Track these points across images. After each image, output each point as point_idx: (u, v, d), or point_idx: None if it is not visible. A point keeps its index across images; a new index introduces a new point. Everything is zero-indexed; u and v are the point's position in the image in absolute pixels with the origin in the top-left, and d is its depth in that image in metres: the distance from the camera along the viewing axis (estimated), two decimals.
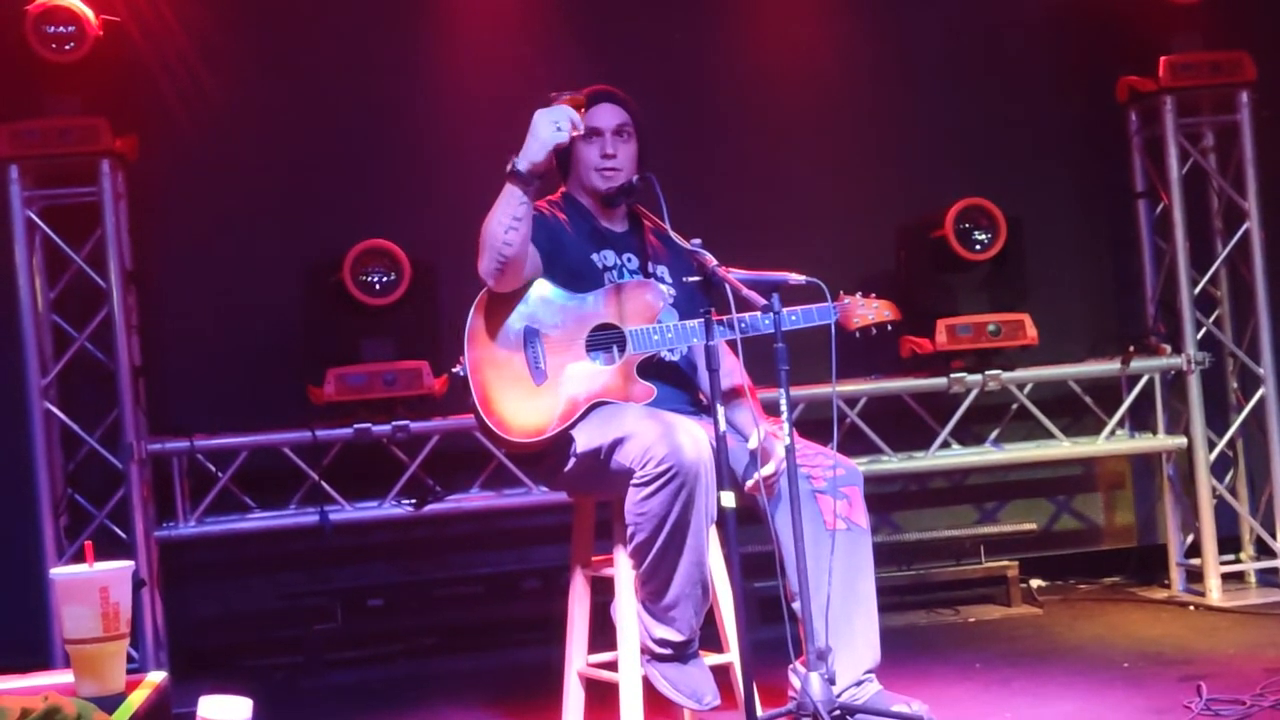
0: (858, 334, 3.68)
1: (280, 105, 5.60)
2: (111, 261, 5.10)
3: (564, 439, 3.43)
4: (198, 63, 5.51)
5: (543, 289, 3.51)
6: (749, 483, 3.42)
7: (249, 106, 5.58)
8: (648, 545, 3.28)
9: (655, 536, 3.26)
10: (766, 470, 3.40)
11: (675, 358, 3.63)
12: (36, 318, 5.10)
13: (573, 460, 3.43)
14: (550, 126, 3.28)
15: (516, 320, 3.47)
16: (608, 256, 3.62)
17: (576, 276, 3.54)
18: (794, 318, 3.53)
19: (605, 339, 3.51)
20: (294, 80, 5.62)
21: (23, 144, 5.02)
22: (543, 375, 3.44)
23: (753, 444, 3.41)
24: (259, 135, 5.56)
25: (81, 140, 5.04)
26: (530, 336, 3.46)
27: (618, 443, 3.30)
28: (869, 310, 3.70)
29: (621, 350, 3.50)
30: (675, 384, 3.60)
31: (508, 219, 3.31)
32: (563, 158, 3.62)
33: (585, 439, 3.40)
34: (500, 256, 3.34)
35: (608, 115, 3.65)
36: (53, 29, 4.98)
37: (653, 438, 3.22)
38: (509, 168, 3.31)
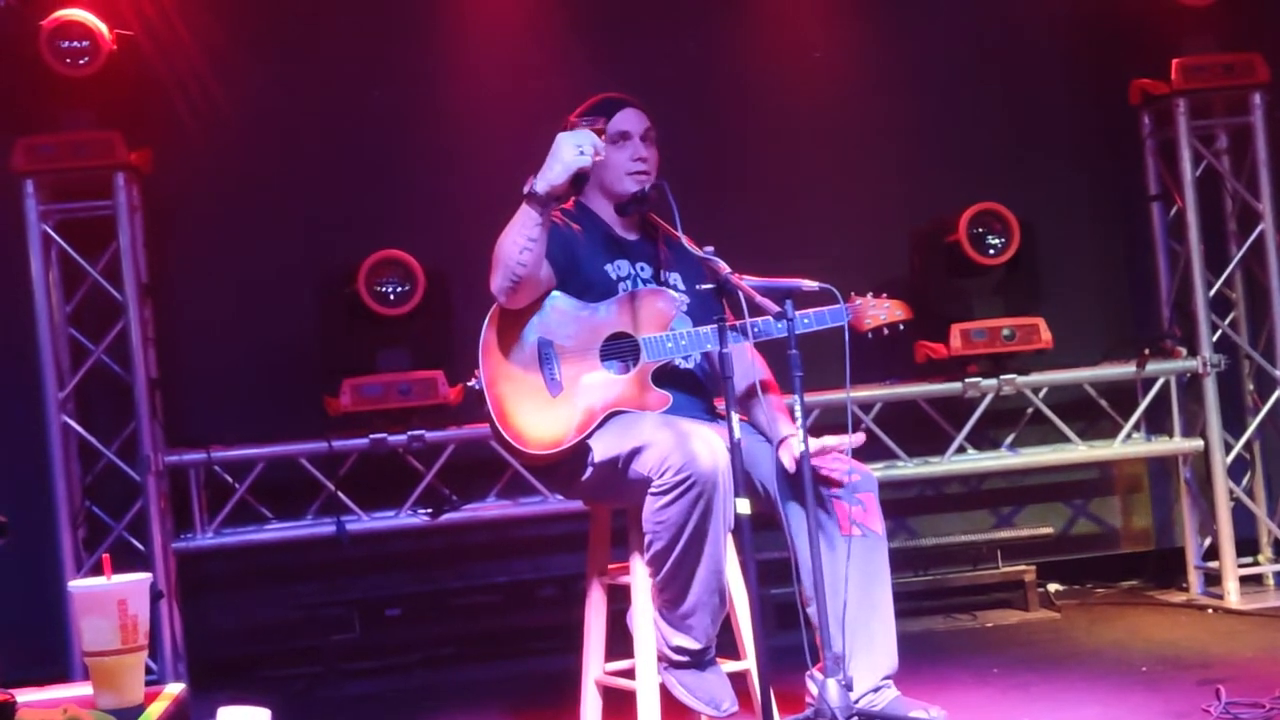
0: (870, 335, 3.66)
1: (293, 116, 5.62)
2: (127, 274, 5.12)
3: (581, 448, 3.43)
4: (211, 75, 5.52)
5: (556, 300, 3.51)
6: (788, 456, 3.37)
7: (262, 118, 5.59)
8: (665, 553, 3.28)
9: (673, 545, 3.26)
10: (831, 441, 3.36)
11: (690, 365, 3.62)
12: (53, 331, 5.13)
13: (590, 469, 3.43)
14: (574, 150, 3.27)
15: (530, 332, 3.47)
16: (622, 266, 3.62)
17: (590, 287, 3.54)
18: (807, 320, 3.53)
19: (619, 348, 3.51)
20: (307, 91, 5.63)
21: (38, 158, 5.04)
22: (558, 386, 3.44)
23: (795, 423, 3.32)
24: (272, 147, 5.58)
25: (96, 154, 5.07)
26: (545, 348, 3.46)
27: (635, 452, 3.30)
28: (880, 310, 3.69)
29: (636, 359, 3.50)
30: (691, 391, 3.60)
31: (523, 239, 3.31)
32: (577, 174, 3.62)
33: (602, 448, 3.40)
34: (513, 276, 3.34)
35: (636, 120, 3.66)
36: (67, 44, 5.01)
37: (669, 446, 3.22)
38: (526, 189, 3.31)
